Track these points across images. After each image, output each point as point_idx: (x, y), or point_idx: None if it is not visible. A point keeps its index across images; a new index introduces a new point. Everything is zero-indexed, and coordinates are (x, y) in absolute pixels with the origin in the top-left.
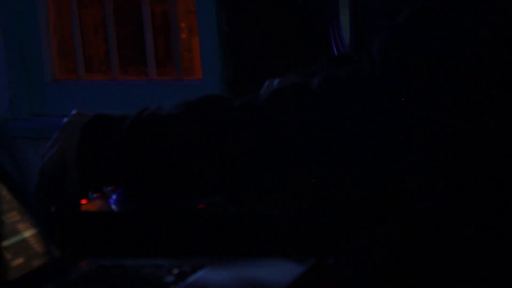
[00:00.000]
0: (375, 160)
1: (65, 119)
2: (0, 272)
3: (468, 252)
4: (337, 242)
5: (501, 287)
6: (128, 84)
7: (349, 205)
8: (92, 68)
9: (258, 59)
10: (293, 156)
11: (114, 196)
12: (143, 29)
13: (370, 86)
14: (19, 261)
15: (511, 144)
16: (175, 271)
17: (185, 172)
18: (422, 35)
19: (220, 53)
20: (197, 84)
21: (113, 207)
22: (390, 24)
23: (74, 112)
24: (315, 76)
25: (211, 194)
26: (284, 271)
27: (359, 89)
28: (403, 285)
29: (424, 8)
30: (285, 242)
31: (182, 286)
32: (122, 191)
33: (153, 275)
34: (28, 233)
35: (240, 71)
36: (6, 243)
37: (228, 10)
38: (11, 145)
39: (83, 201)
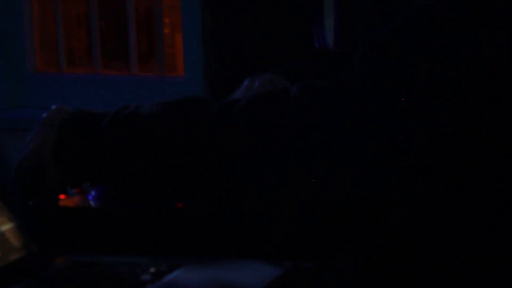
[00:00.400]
0: (348, 170)
1: (44, 115)
2: None
3: (466, 257)
4: (316, 246)
5: None
6: (110, 78)
7: (329, 211)
8: (74, 61)
9: (240, 57)
10: (266, 163)
11: (92, 192)
12: (126, 24)
13: (348, 97)
14: None
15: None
16: (152, 269)
17: (160, 174)
18: (402, 49)
19: (203, 51)
20: (179, 81)
21: (92, 203)
22: (371, 36)
23: (53, 107)
24: (294, 84)
25: (185, 196)
26: (261, 273)
27: (337, 98)
28: None
29: (405, 22)
30: (263, 244)
31: (158, 285)
32: (101, 188)
33: (130, 273)
34: (5, 227)
35: (222, 69)
36: None
37: (213, 8)
38: None
39: (62, 196)
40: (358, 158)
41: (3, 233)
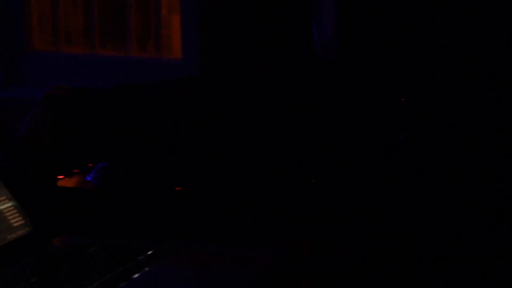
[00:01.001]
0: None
1: (44, 92)
2: None
3: (464, 254)
4: (312, 232)
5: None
6: (107, 59)
7: (327, 198)
8: (71, 40)
9: (238, 39)
10: (265, 146)
11: (91, 173)
12: (124, 5)
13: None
14: None
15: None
16: (149, 252)
17: (159, 154)
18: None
19: (200, 32)
20: (176, 63)
21: (90, 184)
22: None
23: (52, 85)
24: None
25: (184, 179)
26: (257, 260)
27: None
28: (379, 277)
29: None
30: (260, 230)
31: (155, 267)
32: (99, 169)
33: (127, 255)
34: (3, 206)
35: (219, 51)
36: None
37: None
38: None
39: (60, 177)
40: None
41: (1, 212)
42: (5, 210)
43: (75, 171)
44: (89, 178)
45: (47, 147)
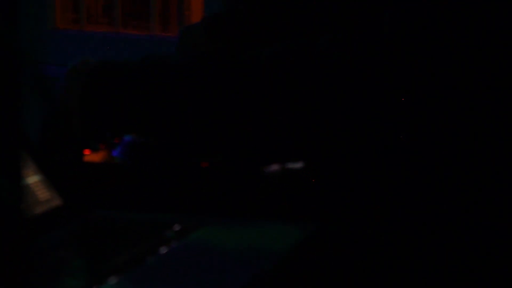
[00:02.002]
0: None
1: (70, 67)
2: None
3: (466, 252)
4: (341, 209)
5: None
6: (129, 38)
7: (358, 175)
8: (94, 19)
9: (260, 20)
10: (294, 116)
11: (118, 148)
12: None
13: (379, 54)
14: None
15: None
16: (176, 227)
17: (189, 127)
18: (441, 19)
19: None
20: None
21: (117, 159)
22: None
23: (79, 59)
24: (321, 38)
25: (215, 154)
26: (285, 236)
27: (366, 55)
28: (405, 257)
29: None
30: (288, 206)
31: (182, 242)
32: (126, 144)
33: (154, 230)
34: (31, 180)
35: (243, 32)
36: None
37: None
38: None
39: (87, 152)
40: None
41: (29, 186)
42: (33, 184)
43: (102, 146)
44: (115, 153)
45: (76, 121)
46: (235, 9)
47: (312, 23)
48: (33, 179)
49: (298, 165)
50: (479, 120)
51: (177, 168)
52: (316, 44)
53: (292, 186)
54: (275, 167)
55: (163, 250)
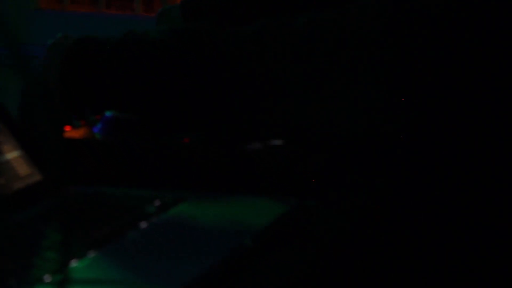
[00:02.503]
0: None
1: (50, 42)
2: None
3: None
4: (322, 183)
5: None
6: (113, 18)
7: (339, 149)
8: None
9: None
10: (276, 94)
11: (99, 125)
12: None
13: (355, 32)
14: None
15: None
16: (157, 202)
17: (168, 103)
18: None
19: None
20: None
21: (98, 135)
22: None
23: (59, 34)
24: (299, 17)
25: (193, 129)
26: (265, 210)
27: (339, 32)
28: (386, 235)
29: None
30: (268, 180)
31: (162, 217)
32: (106, 120)
33: (135, 205)
34: (11, 155)
35: (219, 14)
36: None
37: None
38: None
39: (67, 128)
40: (364, 94)
41: (9, 161)
42: (12, 159)
43: (82, 123)
44: (96, 130)
45: (56, 96)
46: None
47: (290, 4)
48: (12, 154)
49: (279, 141)
50: (474, 119)
51: (158, 143)
52: (293, 23)
53: (273, 162)
54: (257, 143)
55: (143, 225)
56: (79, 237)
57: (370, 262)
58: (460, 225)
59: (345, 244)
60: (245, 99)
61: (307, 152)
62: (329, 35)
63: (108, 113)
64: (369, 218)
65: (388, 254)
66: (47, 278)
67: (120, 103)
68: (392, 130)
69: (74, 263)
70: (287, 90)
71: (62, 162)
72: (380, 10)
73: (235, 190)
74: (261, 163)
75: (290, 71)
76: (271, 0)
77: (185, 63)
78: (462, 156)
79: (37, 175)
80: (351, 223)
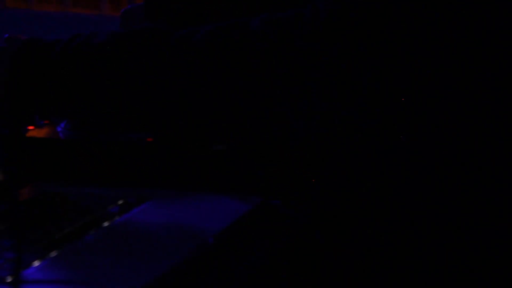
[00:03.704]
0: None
1: None
2: None
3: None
4: (286, 183)
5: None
6: (79, 17)
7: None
8: None
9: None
10: (226, 95)
11: (62, 124)
12: None
13: (309, 36)
14: None
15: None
16: (120, 201)
17: (112, 106)
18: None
19: None
20: None
21: (60, 134)
22: None
23: (6, 36)
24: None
25: (140, 130)
26: (229, 209)
27: (298, 34)
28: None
29: None
30: (233, 179)
31: (126, 217)
32: (70, 120)
33: (98, 205)
34: None
35: (181, 14)
36: None
37: None
38: None
39: (31, 127)
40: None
41: None
42: None
43: (46, 122)
44: (59, 129)
45: (5, 101)
46: None
47: (248, 5)
48: None
49: (242, 141)
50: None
51: (121, 142)
52: (249, 24)
53: (236, 161)
54: (220, 142)
55: (106, 224)
56: (39, 237)
57: (332, 259)
58: (455, 224)
59: (307, 243)
60: (188, 101)
61: (270, 152)
62: (283, 36)
63: None
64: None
65: (346, 251)
66: (6, 278)
67: (66, 108)
68: (339, 132)
69: (34, 263)
70: (237, 92)
71: (24, 161)
72: (332, 13)
73: (199, 189)
74: (225, 161)
75: (242, 72)
76: (231, 1)
77: (125, 67)
78: (444, 157)
79: None
80: (314, 222)
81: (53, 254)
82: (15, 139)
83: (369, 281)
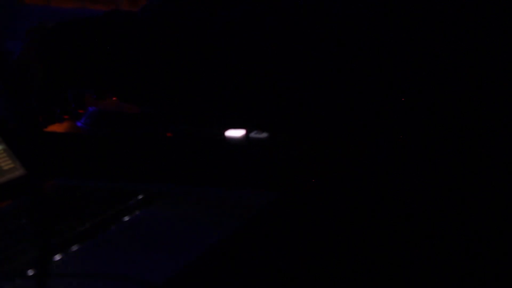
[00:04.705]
0: None
1: (28, 28)
2: None
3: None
4: (300, 178)
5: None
6: (97, 13)
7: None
8: None
9: None
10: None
11: (82, 119)
12: None
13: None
14: None
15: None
16: (140, 196)
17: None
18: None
19: None
20: None
21: (81, 129)
22: None
23: (38, 22)
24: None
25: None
26: (246, 204)
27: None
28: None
29: None
30: (251, 175)
31: (145, 211)
32: (91, 114)
33: (118, 199)
34: None
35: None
36: None
37: None
38: None
39: (65, 116)
40: None
41: None
42: None
43: (66, 117)
44: (79, 124)
45: (36, 82)
46: None
47: None
48: None
49: (261, 134)
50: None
51: (141, 137)
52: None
53: (255, 155)
54: (238, 136)
55: (126, 218)
56: (62, 230)
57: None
58: (454, 224)
59: (322, 238)
60: (227, 95)
61: (288, 144)
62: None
63: (91, 107)
64: (345, 213)
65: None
66: (28, 271)
67: (100, 82)
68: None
69: (57, 257)
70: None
71: (46, 157)
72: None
73: (219, 184)
74: (243, 156)
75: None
76: None
77: (167, 50)
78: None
79: (20, 169)
80: (328, 218)
81: (75, 248)
82: (37, 133)
83: (373, 280)
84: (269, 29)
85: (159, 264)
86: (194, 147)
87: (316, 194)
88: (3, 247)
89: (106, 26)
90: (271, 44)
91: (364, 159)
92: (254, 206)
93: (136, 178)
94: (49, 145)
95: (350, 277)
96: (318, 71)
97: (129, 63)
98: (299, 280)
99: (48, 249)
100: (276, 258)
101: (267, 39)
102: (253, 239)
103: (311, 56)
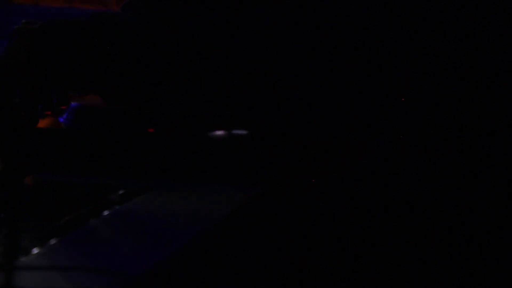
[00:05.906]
0: None
1: (15, 27)
2: None
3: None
4: (284, 171)
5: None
6: (85, 12)
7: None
8: None
9: None
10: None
11: (65, 115)
12: None
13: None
14: None
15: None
16: (121, 191)
17: (133, 84)
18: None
19: None
20: None
21: (63, 125)
22: None
23: (23, 21)
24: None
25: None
26: (228, 199)
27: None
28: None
29: None
30: (232, 169)
31: (126, 206)
32: (73, 110)
33: (99, 194)
34: None
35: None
36: None
37: None
38: None
39: (48, 112)
40: None
41: None
42: None
43: (48, 113)
44: (62, 120)
45: (24, 74)
46: None
47: None
48: None
49: (242, 131)
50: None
51: (122, 132)
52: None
53: (236, 151)
54: (220, 132)
55: (106, 213)
56: (41, 225)
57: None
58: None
59: (305, 232)
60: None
61: (272, 139)
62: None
63: (73, 103)
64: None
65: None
66: (6, 264)
67: (88, 84)
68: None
69: (34, 250)
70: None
71: (26, 152)
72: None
73: (199, 179)
74: (224, 151)
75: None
76: None
77: (151, 47)
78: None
79: (1, 164)
80: (312, 213)
81: (53, 241)
82: (16, 129)
83: (370, 280)
84: (266, 28)
85: (138, 258)
86: (176, 142)
87: (316, 194)
88: None
89: (92, 30)
90: (271, 44)
91: (364, 159)
92: (235, 201)
93: (118, 173)
94: (31, 140)
95: (341, 275)
96: (318, 71)
97: (116, 65)
98: (280, 274)
99: (15, 243)
100: (258, 253)
101: (265, 39)
102: (233, 233)
103: (311, 56)
